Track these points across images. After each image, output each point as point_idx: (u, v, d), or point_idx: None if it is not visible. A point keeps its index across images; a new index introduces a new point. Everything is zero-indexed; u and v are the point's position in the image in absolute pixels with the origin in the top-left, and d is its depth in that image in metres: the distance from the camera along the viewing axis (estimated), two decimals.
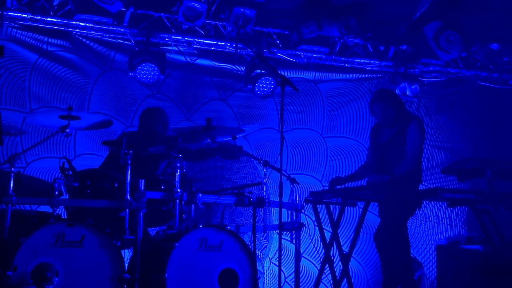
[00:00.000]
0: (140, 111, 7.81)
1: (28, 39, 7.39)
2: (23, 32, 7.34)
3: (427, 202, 6.87)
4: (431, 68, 8.68)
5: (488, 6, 7.59)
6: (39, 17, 7.21)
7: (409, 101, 8.73)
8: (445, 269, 6.73)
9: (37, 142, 6.08)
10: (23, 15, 7.16)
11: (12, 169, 5.04)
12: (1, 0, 6.91)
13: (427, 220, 8.45)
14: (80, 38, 7.62)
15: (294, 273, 5.99)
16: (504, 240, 6.37)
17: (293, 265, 6.00)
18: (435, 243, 7.55)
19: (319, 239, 6.73)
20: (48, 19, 7.26)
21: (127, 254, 5.62)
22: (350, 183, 6.65)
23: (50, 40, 7.50)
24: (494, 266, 6.36)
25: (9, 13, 7.07)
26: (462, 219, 8.88)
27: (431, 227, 8.60)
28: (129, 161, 5.26)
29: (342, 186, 6.52)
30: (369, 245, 8.38)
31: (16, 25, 7.26)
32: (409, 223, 8.44)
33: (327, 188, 6.78)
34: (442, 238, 8.55)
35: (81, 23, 7.37)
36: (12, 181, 5.02)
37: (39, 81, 7.43)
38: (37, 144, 6.36)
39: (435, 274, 7.46)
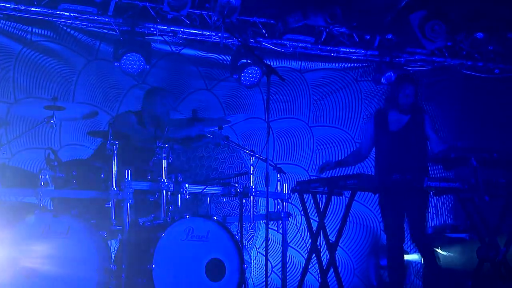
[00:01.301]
0: (125, 102, 7.81)
1: (12, 29, 7.32)
2: (7, 22, 7.28)
3: None
4: (416, 57, 8.70)
5: None
6: (23, 6, 7.13)
7: None
8: (430, 258, 6.77)
9: (22, 132, 6.06)
10: (7, 5, 7.08)
11: None
12: None
13: None
14: (65, 28, 7.57)
15: (281, 262, 6.00)
16: (489, 228, 6.43)
17: (280, 254, 6.01)
18: None
19: (305, 229, 6.74)
20: (32, 8, 7.19)
21: (114, 244, 5.61)
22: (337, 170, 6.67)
23: (34, 30, 7.43)
24: (480, 254, 6.42)
25: None
26: (448, 208, 8.93)
27: None
28: (115, 152, 5.25)
29: (329, 175, 6.53)
30: (355, 234, 8.43)
31: None
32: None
33: (315, 177, 6.81)
34: (428, 226, 8.58)
35: (65, 13, 7.31)
36: None
37: (23, 72, 7.37)
38: (22, 135, 6.34)
39: (421, 263, 7.49)
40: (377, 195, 6.51)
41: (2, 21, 7.24)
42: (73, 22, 7.48)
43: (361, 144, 6.79)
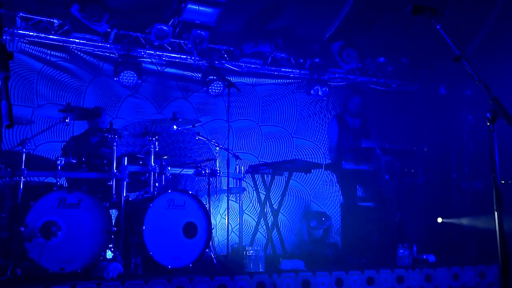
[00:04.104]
0: (123, 107, 7.68)
1: (35, 52, 7.11)
2: (31, 46, 7.07)
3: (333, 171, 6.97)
4: (336, 75, 8.77)
5: (376, 31, 7.74)
6: (43, 35, 6.95)
7: (321, 99, 8.82)
8: (346, 221, 6.86)
9: (43, 129, 5.92)
10: (30, 33, 6.88)
11: (24, 150, 4.89)
12: (12, 21, 6.66)
13: (335, 185, 8.55)
14: (76, 51, 7.38)
15: (238, 225, 5.99)
16: (388, 198, 6.55)
17: (238, 219, 6.00)
18: (339, 202, 7.67)
19: (256, 200, 6.75)
20: (50, 36, 7.00)
21: (114, 213, 5.51)
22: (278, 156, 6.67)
23: (52, 52, 7.24)
24: (381, 217, 6.53)
25: (19, 31, 6.80)
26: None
27: (337, 190, 8.69)
28: (114, 143, 5.17)
29: (272, 161, 6.55)
30: (292, 203, 8.48)
31: (24, 41, 6.98)
32: (323, 187, 8.59)
33: (263, 162, 6.81)
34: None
35: (76, 40, 7.14)
36: (23, 159, 4.87)
37: (44, 84, 7.17)
38: (43, 131, 6.16)
39: (340, 224, 7.58)
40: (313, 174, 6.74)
41: (27, 45, 7.03)
42: (83, 47, 7.31)
43: (337, 136, 6.80)
